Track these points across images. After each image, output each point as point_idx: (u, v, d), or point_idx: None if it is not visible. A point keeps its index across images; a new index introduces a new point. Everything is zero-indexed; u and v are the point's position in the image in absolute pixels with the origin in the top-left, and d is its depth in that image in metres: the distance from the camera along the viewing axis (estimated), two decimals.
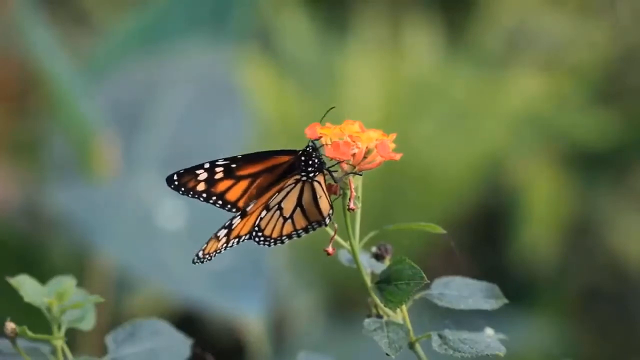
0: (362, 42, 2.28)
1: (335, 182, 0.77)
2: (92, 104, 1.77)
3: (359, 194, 0.76)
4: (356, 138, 0.76)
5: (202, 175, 0.80)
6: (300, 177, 0.77)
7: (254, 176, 0.79)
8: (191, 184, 0.80)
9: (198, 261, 0.79)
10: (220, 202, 0.80)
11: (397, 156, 0.76)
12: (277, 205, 0.78)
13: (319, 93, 2.16)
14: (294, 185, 0.78)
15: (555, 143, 2.27)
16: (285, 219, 0.78)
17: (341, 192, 0.77)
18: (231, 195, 0.80)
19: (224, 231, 0.79)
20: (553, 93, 2.28)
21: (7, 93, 2.21)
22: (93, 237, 1.68)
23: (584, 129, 2.24)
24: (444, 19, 2.34)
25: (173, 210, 1.68)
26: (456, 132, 2.18)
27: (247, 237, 0.80)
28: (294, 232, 0.78)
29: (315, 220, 0.78)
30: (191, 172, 0.80)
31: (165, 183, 0.80)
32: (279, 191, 0.78)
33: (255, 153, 0.79)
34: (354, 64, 2.20)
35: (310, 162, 0.77)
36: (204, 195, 0.80)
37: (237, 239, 0.80)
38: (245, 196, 0.80)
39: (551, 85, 2.28)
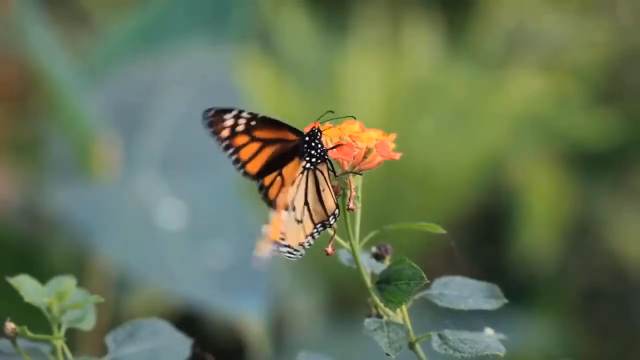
0: (362, 42, 2.28)
1: (335, 175, 0.76)
2: (92, 104, 1.77)
3: (359, 194, 0.76)
4: (356, 138, 0.76)
5: (229, 121, 0.78)
6: (305, 165, 0.76)
7: (264, 142, 0.78)
8: (219, 126, 0.78)
9: (290, 255, 0.76)
10: (234, 156, 0.78)
11: (397, 155, 0.76)
12: (291, 204, 0.76)
13: (319, 93, 2.16)
14: (301, 176, 0.76)
15: (555, 143, 2.27)
16: (298, 224, 0.76)
17: (341, 192, 0.77)
18: (244, 154, 0.78)
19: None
20: (553, 93, 2.28)
21: (7, 93, 2.21)
22: (93, 237, 1.68)
23: (584, 129, 2.24)
24: (444, 19, 2.34)
25: (173, 210, 1.68)
26: (456, 132, 2.18)
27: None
28: (306, 239, 0.76)
29: (320, 221, 0.76)
30: (221, 113, 0.78)
31: (201, 117, 0.78)
32: (297, 185, 0.76)
33: (271, 118, 0.78)
34: (354, 64, 2.20)
35: (312, 148, 0.77)
36: (226, 143, 0.78)
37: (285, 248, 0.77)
38: (254, 160, 0.78)
39: (551, 85, 2.28)
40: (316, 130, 0.76)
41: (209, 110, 0.78)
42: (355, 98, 2.12)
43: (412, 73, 2.22)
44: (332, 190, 0.76)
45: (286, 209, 0.76)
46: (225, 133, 0.78)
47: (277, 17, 2.31)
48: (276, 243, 0.76)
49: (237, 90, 1.86)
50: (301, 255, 0.76)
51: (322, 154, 0.76)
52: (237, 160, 0.78)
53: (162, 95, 1.83)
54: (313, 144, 0.76)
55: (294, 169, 0.77)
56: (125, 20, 2.01)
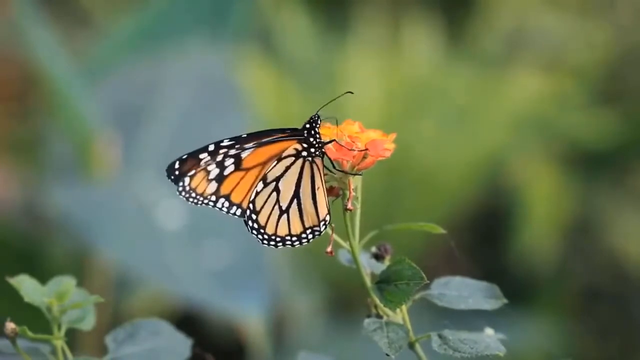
0: (362, 42, 2.28)
1: (333, 173, 0.76)
2: (92, 104, 1.77)
3: (358, 195, 0.76)
4: (356, 138, 0.76)
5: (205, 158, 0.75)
6: (301, 150, 0.75)
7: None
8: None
9: (182, 192, 0.74)
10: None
11: (387, 153, 0.76)
12: (274, 183, 0.74)
13: (319, 93, 2.16)
14: (294, 159, 0.75)
15: (555, 143, 2.27)
16: (281, 211, 0.75)
17: (341, 192, 0.76)
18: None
19: (216, 170, 0.74)
20: (553, 93, 2.28)
21: (7, 93, 2.21)
22: (93, 237, 1.68)
23: (584, 129, 2.24)
24: (444, 19, 2.34)
25: (173, 210, 1.68)
26: (456, 132, 2.18)
27: (239, 212, 0.75)
28: (288, 237, 0.75)
29: (310, 226, 0.75)
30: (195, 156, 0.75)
31: (166, 174, 0.75)
32: (278, 160, 0.75)
33: (259, 132, 0.76)
34: (354, 64, 2.20)
35: (311, 136, 0.75)
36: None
37: (226, 202, 0.75)
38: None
39: (551, 85, 2.28)
40: (315, 117, 0.76)
41: (175, 162, 0.75)
42: (355, 98, 2.12)
43: (412, 73, 2.22)
44: (326, 193, 0.75)
45: (263, 181, 0.75)
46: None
47: (277, 17, 2.31)
48: (242, 209, 0.74)
49: (237, 90, 1.86)
50: (275, 244, 0.75)
51: (319, 145, 0.75)
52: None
53: (162, 95, 1.83)
54: (312, 132, 0.75)
55: (276, 149, 0.75)
56: (125, 20, 2.01)
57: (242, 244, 1.61)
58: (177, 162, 0.75)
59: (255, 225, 0.75)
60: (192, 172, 0.75)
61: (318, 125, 0.75)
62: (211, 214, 1.75)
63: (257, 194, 0.75)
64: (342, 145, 0.75)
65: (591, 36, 2.36)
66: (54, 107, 1.82)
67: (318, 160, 0.75)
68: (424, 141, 2.14)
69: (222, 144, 0.75)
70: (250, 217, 0.75)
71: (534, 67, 2.34)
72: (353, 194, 0.76)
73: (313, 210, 0.75)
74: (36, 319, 0.83)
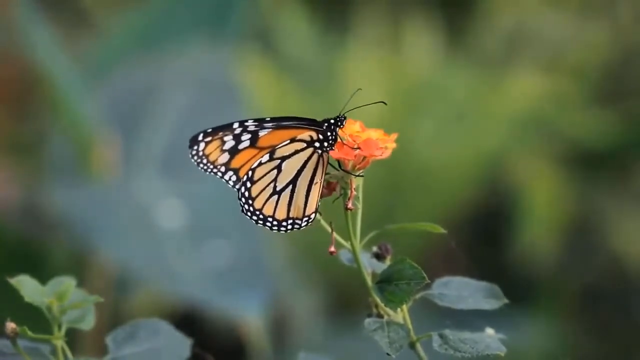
0: (362, 42, 2.28)
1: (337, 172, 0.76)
2: (92, 104, 1.77)
3: (359, 194, 0.76)
4: (356, 138, 0.76)
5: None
6: (316, 140, 0.75)
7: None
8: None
9: (194, 157, 0.75)
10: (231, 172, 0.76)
11: (378, 152, 0.75)
12: (279, 161, 0.75)
13: (319, 93, 2.16)
14: (305, 145, 0.75)
15: (555, 143, 2.27)
16: (274, 191, 0.75)
17: (342, 191, 0.76)
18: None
19: (232, 142, 0.75)
20: (553, 93, 2.28)
21: (7, 93, 2.21)
22: (93, 237, 1.68)
23: (584, 129, 2.24)
24: (444, 19, 2.34)
25: (173, 210, 1.68)
26: (456, 132, 2.18)
27: (236, 181, 0.75)
28: (270, 219, 0.75)
29: (293, 217, 0.75)
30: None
31: (188, 144, 0.76)
32: (291, 140, 0.76)
33: (283, 117, 0.77)
34: (354, 64, 2.20)
35: (329, 133, 0.76)
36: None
37: (234, 176, 0.75)
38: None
39: (551, 85, 2.28)
40: (342, 117, 0.76)
41: (199, 134, 0.76)
42: (355, 98, 2.12)
43: (412, 73, 2.22)
44: (320, 191, 0.75)
45: (270, 155, 0.75)
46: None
47: (277, 17, 2.31)
48: (236, 175, 0.75)
49: (237, 90, 1.86)
50: (255, 219, 0.75)
51: (333, 141, 0.75)
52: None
53: (162, 96, 1.83)
54: (332, 128, 0.76)
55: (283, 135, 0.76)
56: (125, 21, 2.01)
57: (242, 243, 1.61)
58: (202, 134, 0.76)
59: (247, 194, 0.75)
60: (209, 138, 0.75)
61: (341, 125, 0.76)
62: (211, 213, 1.75)
63: (260, 164, 0.75)
64: (345, 145, 0.75)
65: (591, 36, 2.36)
66: (54, 108, 1.82)
67: (326, 156, 0.76)
68: (424, 141, 2.14)
69: (246, 124, 0.76)
70: (244, 184, 0.75)
71: (534, 67, 2.34)
72: (354, 193, 0.76)
73: (302, 203, 0.75)
74: (36, 319, 0.83)
